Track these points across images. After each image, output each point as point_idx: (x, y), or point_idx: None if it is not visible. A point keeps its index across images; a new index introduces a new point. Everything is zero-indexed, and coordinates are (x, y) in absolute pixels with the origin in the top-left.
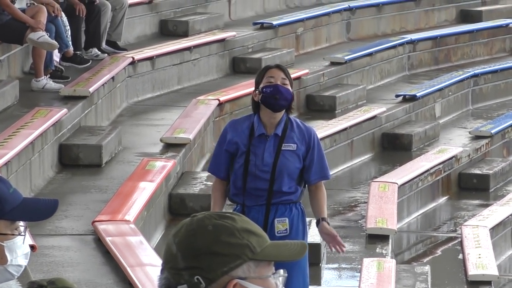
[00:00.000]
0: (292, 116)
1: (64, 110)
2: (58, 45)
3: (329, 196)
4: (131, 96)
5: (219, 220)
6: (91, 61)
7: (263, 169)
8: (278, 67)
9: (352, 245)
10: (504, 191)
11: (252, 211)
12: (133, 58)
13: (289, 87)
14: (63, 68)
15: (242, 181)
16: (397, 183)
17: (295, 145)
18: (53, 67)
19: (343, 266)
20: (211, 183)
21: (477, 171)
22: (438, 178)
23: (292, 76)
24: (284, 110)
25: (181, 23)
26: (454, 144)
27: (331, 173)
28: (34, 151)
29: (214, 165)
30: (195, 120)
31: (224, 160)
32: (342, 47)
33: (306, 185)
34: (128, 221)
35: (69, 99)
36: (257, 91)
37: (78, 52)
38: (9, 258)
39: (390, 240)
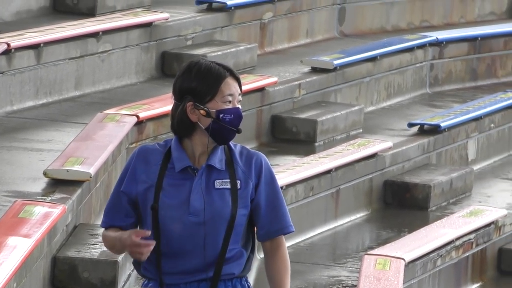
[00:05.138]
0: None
1: None
2: None
3: (299, 273)
4: (1, 103)
5: None
6: None
7: (190, 220)
8: (232, 73)
9: None
10: None
11: None
12: (7, 44)
13: None
14: None
15: (156, 245)
16: (404, 259)
17: (239, 181)
18: None
19: None
20: None
21: None
22: (468, 254)
23: (254, 85)
24: None
25: None
26: (494, 204)
27: (303, 238)
28: None
29: (106, 215)
30: (99, 146)
31: (120, 209)
32: (330, 45)
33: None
34: None
35: None
36: (201, 111)
37: None
38: None
39: None
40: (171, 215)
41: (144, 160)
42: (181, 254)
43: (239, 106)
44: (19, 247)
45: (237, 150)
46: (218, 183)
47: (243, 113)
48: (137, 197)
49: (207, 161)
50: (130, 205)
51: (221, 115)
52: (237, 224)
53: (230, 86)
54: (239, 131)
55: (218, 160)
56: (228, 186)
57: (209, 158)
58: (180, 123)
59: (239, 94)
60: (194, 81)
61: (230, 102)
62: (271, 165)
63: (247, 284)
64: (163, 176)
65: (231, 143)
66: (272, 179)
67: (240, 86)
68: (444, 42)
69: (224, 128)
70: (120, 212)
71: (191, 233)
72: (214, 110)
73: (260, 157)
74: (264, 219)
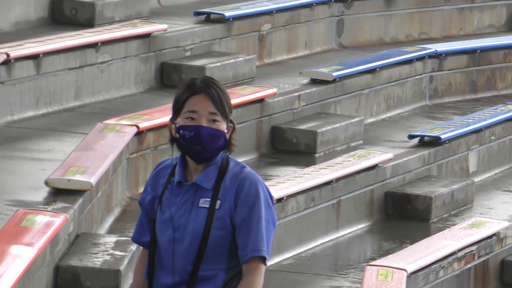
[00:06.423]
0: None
1: None
2: None
3: (301, 284)
4: (1, 113)
5: None
6: None
7: (173, 236)
8: (206, 91)
9: None
10: None
11: None
12: (7, 54)
13: (222, 125)
14: None
15: (150, 257)
16: (405, 270)
17: (219, 201)
18: None
19: None
20: (121, 253)
21: None
22: (470, 266)
23: (254, 97)
24: None
25: (84, 6)
26: (496, 216)
27: (304, 249)
28: None
29: (136, 229)
30: (100, 156)
31: (142, 222)
32: (329, 57)
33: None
34: None
35: None
36: (173, 125)
37: None
38: None
39: None
40: (160, 228)
41: (158, 172)
42: (166, 268)
43: (210, 126)
44: (22, 256)
45: (233, 170)
46: (201, 202)
47: (242, 124)
48: (147, 207)
49: (195, 179)
50: (147, 216)
51: (181, 131)
52: (214, 245)
53: (196, 103)
54: (197, 150)
55: (208, 178)
56: (207, 206)
57: (198, 176)
58: (170, 137)
59: (212, 114)
60: (176, 100)
61: (193, 119)
62: (267, 185)
63: None
64: (165, 189)
65: (233, 161)
66: (254, 202)
67: (215, 104)
68: (443, 55)
69: (185, 145)
70: (143, 227)
71: (173, 248)
72: (178, 125)
73: (247, 179)
74: (239, 242)
